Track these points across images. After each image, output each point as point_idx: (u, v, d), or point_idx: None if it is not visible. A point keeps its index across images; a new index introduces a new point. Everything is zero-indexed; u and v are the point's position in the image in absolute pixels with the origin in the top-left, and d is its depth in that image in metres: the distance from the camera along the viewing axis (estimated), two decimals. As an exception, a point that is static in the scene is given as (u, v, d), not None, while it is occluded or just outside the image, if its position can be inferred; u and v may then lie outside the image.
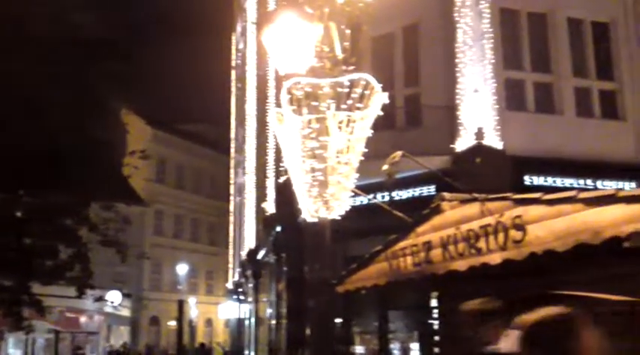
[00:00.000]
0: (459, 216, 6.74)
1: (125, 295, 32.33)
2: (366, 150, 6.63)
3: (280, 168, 18.20)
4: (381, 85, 6.49)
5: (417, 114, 15.90)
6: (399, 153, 7.24)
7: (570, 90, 15.78)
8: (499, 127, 14.68)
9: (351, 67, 6.38)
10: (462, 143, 14.73)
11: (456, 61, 15.08)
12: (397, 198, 14.70)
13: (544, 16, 16.10)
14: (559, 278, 6.76)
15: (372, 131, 6.66)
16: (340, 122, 6.54)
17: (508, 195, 6.03)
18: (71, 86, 15.24)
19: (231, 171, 44.51)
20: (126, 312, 42.75)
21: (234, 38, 42.99)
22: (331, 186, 6.53)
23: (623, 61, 16.20)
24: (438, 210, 7.23)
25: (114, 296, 33.13)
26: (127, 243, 17.81)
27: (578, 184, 14.69)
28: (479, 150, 14.46)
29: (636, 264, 5.97)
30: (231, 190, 43.62)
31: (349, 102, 6.43)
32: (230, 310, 39.76)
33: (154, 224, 50.38)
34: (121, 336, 43.08)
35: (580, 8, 16.24)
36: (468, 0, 15.20)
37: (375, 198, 14.35)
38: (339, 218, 6.58)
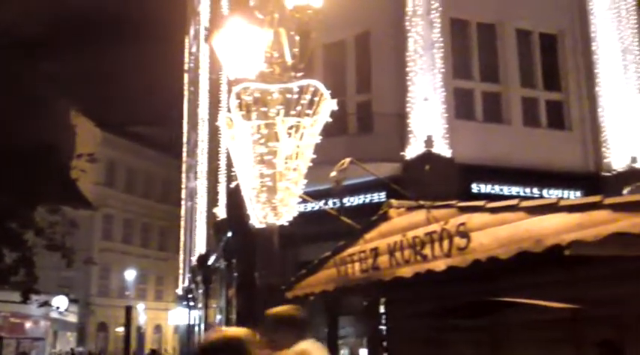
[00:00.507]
0: (405, 223, 6.80)
1: (72, 300, 31.68)
2: (318, 156, 6.64)
3: (232, 173, 18.08)
4: (333, 92, 6.52)
5: (368, 120, 16.00)
6: (348, 160, 7.27)
7: (518, 100, 16.09)
8: (448, 135, 14.89)
9: (300, 74, 6.39)
10: (412, 150, 14.88)
11: (407, 69, 15.25)
12: (348, 204, 14.76)
13: (493, 27, 16.39)
14: (502, 284, 6.88)
15: (325, 137, 6.69)
16: (290, 128, 6.54)
17: (453, 202, 6.11)
18: (10, 86, 14.95)
19: (183, 175, 44.08)
20: (73, 318, 41.87)
21: (187, 41, 42.66)
22: (280, 191, 6.52)
23: (569, 72, 16.60)
24: (385, 217, 7.29)
25: (60, 302, 32.42)
26: (74, 248, 17.53)
27: (525, 192, 14.97)
28: (428, 157, 14.63)
29: (577, 271, 6.11)
30: (183, 195, 43.19)
31: (298, 108, 6.43)
32: (180, 316, 39.28)
33: (102, 228, 49.52)
34: (68, 342, 42.17)
35: (528, 19, 16.59)
36: (418, 9, 15.39)
37: (326, 204, 14.38)
38: (288, 224, 6.57)
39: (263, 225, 6.54)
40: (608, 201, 4.57)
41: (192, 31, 38.53)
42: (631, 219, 4.36)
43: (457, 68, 15.84)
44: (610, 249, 4.80)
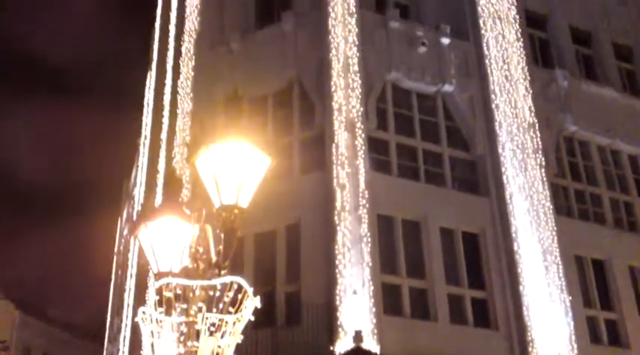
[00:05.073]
0: None
1: None
2: (245, 349, 6.48)
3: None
4: (263, 281, 6.55)
5: (297, 312, 15.81)
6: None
7: (444, 297, 16.25)
8: (376, 331, 14.76)
9: (224, 271, 6.36)
10: (341, 345, 14.61)
11: (336, 261, 15.40)
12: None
13: (418, 224, 16.96)
14: None
15: (252, 328, 6.56)
16: (212, 324, 6.39)
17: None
18: None
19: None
20: None
21: (119, 223, 42.45)
22: (197, 394, 6.21)
23: (492, 270, 17.01)
24: None
25: None
26: None
27: (453, 391, 14.73)
28: (357, 353, 14.37)
29: None
30: (101, 385, 40.67)
31: (221, 306, 6.33)
32: None
33: None
34: None
35: (451, 219, 17.26)
36: (347, 205, 15.88)
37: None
38: None
39: None
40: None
41: (125, 214, 38.50)
42: None
43: (384, 263, 16.10)
44: None
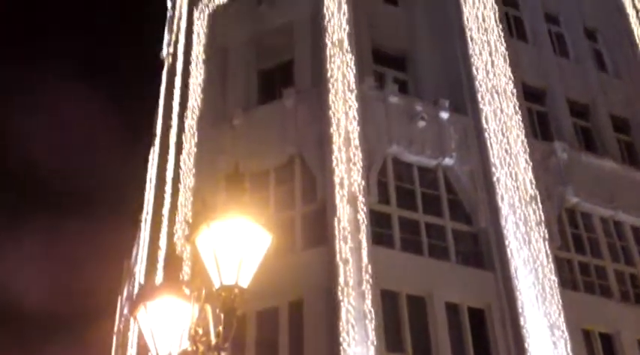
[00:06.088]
0: None
1: None
2: None
3: None
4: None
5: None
6: None
7: (453, 374, 15.89)
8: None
9: (224, 353, 6.20)
10: None
11: (340, 339, 15.09)
12: None
13: (422, 299, 16.69)
14: None
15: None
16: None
17: None
18: None
19: None
20: None
21: (119, 301, 41.95)
22: None
23: (499, 346, 16.63)
24: None
25: None
26: None
27: None
28: None
29: None
30: None
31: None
32: None
33: None
34: None
35: (456, 294, 16.98)
36: (350, 280, 15.68)
37: None
38: None
39: None
40: None
41: (125, 292, 38.09)
42: None
43: (390, 340, 15.74)
44: None
